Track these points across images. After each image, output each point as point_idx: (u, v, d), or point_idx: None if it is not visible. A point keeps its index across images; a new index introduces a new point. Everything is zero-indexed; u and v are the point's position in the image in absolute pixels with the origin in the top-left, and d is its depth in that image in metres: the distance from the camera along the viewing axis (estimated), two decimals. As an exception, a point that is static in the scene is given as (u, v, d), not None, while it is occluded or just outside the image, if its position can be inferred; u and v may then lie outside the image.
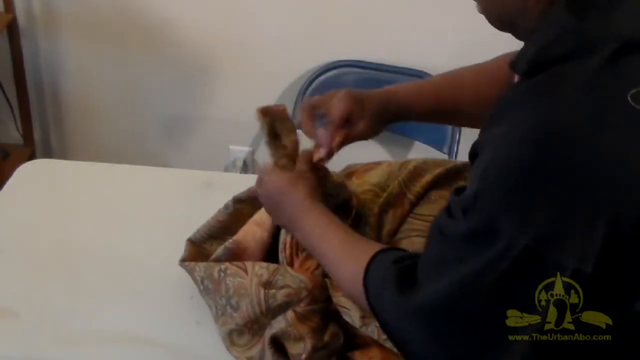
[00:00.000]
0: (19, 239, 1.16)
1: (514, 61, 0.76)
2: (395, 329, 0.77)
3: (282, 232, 1.02)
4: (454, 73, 1.12)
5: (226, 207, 1.11)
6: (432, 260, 0.74)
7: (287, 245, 1.00)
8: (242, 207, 1.10)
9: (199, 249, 1.09)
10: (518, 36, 0.79)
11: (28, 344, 0.98)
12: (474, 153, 0.73)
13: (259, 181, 1.01)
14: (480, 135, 0.75)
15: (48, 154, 2.32)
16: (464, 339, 0.70)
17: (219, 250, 1.04)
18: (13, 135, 2.24)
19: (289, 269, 0.97)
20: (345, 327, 0.95)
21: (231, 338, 0.97)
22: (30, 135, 2.23)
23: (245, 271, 0.98)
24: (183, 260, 1.06)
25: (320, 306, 0.94)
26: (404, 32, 1.96)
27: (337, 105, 1.00)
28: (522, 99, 0.71)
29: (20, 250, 1.14)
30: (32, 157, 2.18)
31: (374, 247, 0.84)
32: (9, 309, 1.02)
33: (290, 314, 0.92)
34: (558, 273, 0.63)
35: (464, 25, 1.92)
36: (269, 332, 0.94)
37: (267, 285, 0.95)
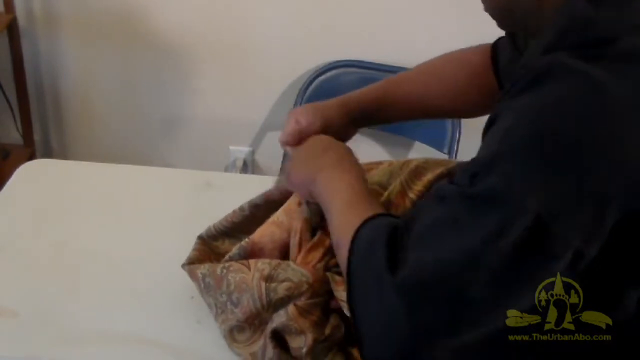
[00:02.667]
0: (19, 239, 1.16)
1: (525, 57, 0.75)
2: (366, 300, 0.73)
3: (297, 216, 1.02)
4: (428, 66, 1.12)
5: (241, 209, 1.10)
6: (429, 224, 0.71)
7: (298, 230, 1.00)
8: (258, 212, 1.10)
9: (209, 247, 1.09)
10: (529, 34, 0.79)
11: (28, 344, 0.98)
12: (489, 124, 0.71)
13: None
14: (496, 106, 0.73)
15: (48, 154, 2.32)
16: (448, 319, 0.67)
17: (234, 249, 1.04)
18: (13, 135, 2.24)
19: (291, 263, 0.97)
20: (347, 320, 0.95)
21: (232, 335, 0.97)
22: (30, 135, 2.23)
23: (248, 267, 0.98)
24: (189, 261, 1.06)
25: (321, 300, 0.94)
26: (404, 32, 1.96)
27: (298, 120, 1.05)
28: (546, 72, 0.68)
29: (20, 250, 1.14)
30: (32, 157, 2.18)
31: (373, 210, 0.82)
32: (9, 309, 1.02)
33: (291, 308, 0.92)
34: (563, 250, 0.62)
35: (463, 26, 1.92)
36: (270, 327, 0.94)
37: (269, 279, 0.95)
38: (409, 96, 1.09)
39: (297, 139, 1.05)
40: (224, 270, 0.99)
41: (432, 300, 0.68)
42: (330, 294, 0.95)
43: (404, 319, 0.69)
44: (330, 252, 0.97)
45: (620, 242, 0.61)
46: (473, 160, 0.69)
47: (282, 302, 0.94)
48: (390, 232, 0.74)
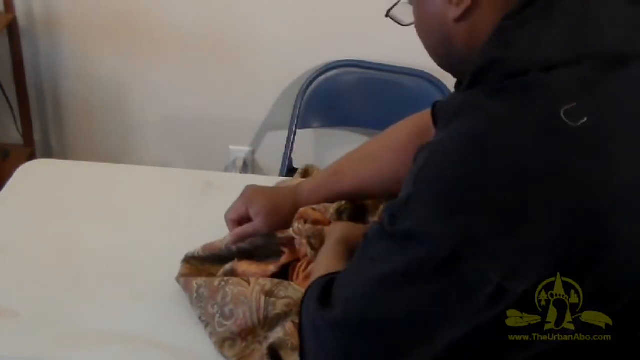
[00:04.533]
0: (19, 239, 1.16)
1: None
2: (309, 344, 0.77)
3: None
4: (351, 156, 1.13)
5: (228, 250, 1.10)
6: (351, 269, 0.75)
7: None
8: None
9: (198, 269, 1.09)
10: (456, 74, 0.82)
11: (28, 344, 0.98)
12: (412, 163, 0.73)
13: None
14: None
15: (48, 154, 2.32)
16: (383, 351, 0.68)
17: (227, 266, 1.05)
18: (13, 135, 2.24)
19: (292, 283, 0.99)
20: None
21: (223, 347, 0.97)
22: (30, 135, 2.23)
23: (248, 282, 0.99)
24: (182, 275, 1.07)
25: None
26: (404, 32, 1.95)
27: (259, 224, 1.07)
28: (457, 112, 0.70)
29: (20, 250, 1.14)
30: (32, 157, 2.18)
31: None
32: (9, 309, 1.02)
33: (288, 324, 0.93)
34: (481, 285, 0.62)
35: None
36: (266, 343, 0.94)
37: (269, 293, 0.96)
38: (351, 192, 1.11)
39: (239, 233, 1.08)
40: (222, 283, 1.00)
41: (363, 334, 0.70)
42: None
43: (340, 354, 0.72)
44: None
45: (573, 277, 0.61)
46: (393, 200, 0.71)
47: (278, 319, 0.94)
48: (328, 280, 0.78)
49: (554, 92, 0.65)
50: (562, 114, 0.63)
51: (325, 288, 0.77)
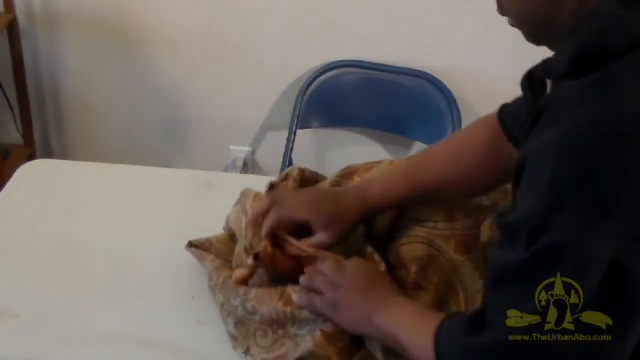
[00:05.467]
0: (19, 239, 1.16)
1: (547, 66, 0.73)
2: None
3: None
4: (428, 154, 1.08)
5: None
6: (501, 296, 0.69)
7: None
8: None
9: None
10: (554, 44, 0.75)
11: (28, 344, 0.98)
12: (519, 168, 0.69)
13: (340, 267, 0.93)
14: (522, 148, 0.71)
15: (48, 154, 2.32)
16: None
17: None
18: (13, 135, 2.24)
19: None
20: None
21: (254, 336, 0.96)
22: (30, 135, 2.23)
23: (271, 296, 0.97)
24: (196, 244, 1.06)
25: None
26: (404, 32, 1.96)
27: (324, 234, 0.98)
28: (579, 100, 0.66)
29: (20, 250, 1.14)
30: (32, 157, 2.18)
31: (438, 318, 0.80)
32: (9, 309, 1.02)
33: (318, 334, 0.90)
34: None
35: (464, 25, 1.92)
36: (294, 353, 0.92)
37: (295, 307, 0.93)
38: (425, 191, 1.03)
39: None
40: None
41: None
42: None
43: None
44: None
45: None
46: (517, 214, 0.67)
47: (306, 322, 0.92)
48: (468, 319, 0.74)
49: None
50: None
51: (469, 322, 0.73)
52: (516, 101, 0.96)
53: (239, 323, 0.97)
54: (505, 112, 0.97)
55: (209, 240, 1.10)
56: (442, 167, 1.03)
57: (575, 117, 0.65)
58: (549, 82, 0.79)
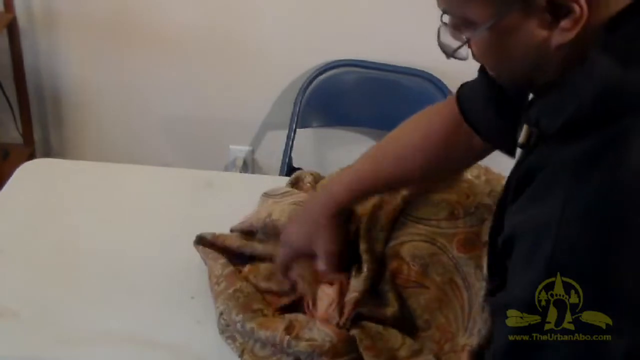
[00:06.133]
0: (19, 239, 1.16)
1: (530, 118, 0.71)
2: None
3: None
4: (390, 149, 1.05)
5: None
6: None
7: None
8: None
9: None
10: (534, 92, 0.74)
11: (28, 344, 0.98)
12: (508, 243, 0.68)
13: None
14: (508, 218, 0.70)
15: (48, 154, 2.32)
16: None
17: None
18: (13, 135, 2.24)
19: (317, 322, 0.97)
20: None
21: (253, 350, 0.96)
22: (30, 135, 2.23)
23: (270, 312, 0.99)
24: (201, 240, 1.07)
25: (347, 359, 0.94)
26: (404, 32, 1.96)
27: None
28: (577, 170, 0.64)
29: (20, 250, 1.14)
30: (32, 157, 2.18)
31: None
32: (9, 309, 1.02)
33: None
34: None
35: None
36: None
37: (295, 336, 0.94)
38: (391, 186, 1.05)
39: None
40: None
41: None
42: (354, 354, 0.94)
43: None
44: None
45: None
46: (511, 292, 0.66)
47: (302, 354, 0.93)
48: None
49: None
50: None
51: None
52: (477, 92, 0.94)
53: (237, 334, 0.98)
54: (468, 104, 0.95)
55: (221, 235, 1.11)
56: (412, 166, 1.01)
57: (579, 190, 0.63)
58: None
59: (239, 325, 0.97)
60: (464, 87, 0.98)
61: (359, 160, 1.05)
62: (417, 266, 0.99)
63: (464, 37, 0.72)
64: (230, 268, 1.05)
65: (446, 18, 0.73)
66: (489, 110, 0.91)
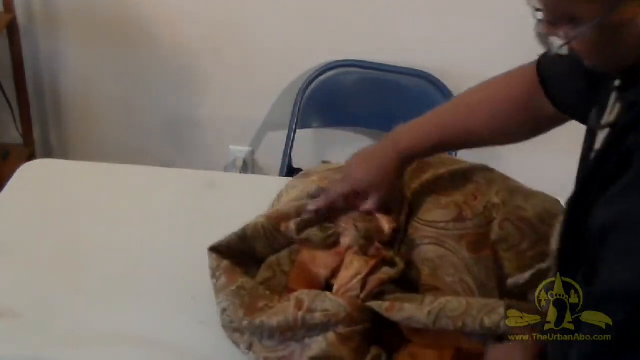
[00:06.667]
0: (19, 239, 1.16)
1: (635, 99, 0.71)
2: None
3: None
4: (465, 105, 1.09)
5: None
6: None
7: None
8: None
9: (245, 244, 1.07)
10: (630, 75, 0.74)
11: (28, 344, 0.98)
12: (605, 229, 0.66)
13: None
14: (604, 204, 0.68)
15: (48, 154, 2.32)
16: None
17: (284, 252, 1.05)
18: (13, 135, 2.24)
19: (328, 294, 0.96)
20: (389, 350, 0.94)
21: (261, 341, 0.96)
22: (30, 135, 2.23)
23: (278, 300, 0.99)
24: (217, 247, 1.05)
25: (362, 327, 0.93)
26: (404, 32, 1.96)
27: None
28: None
29: (21, 250, 1.14)
30: (32, 157, 2.18)
31: None
32: (9, 309, 1.02)
33: (330, 335, 0.91)
34: None
35: (464, 25, 1.92)
36: (307, 354, 0.92)
37: (307, 310, 0.94)
38: (457, 139, 1.08)
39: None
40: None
41: None
42: (371, 322, 0.94)
43: None
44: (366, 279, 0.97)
45: None
46: (612, 281, 0.64)
47: (317, 327, 0.93)
48: None
49: None
50: None
51: None
52: (558, 64, 0.94)
53: (242, 329, 0.97)
54: (548, 75, 0.96)
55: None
56: (481, 121, 1.04)
57: None
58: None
59: (245, 323, 0.96)
60: (545, 57, 0.98)
61: (430, 112, 1.10)
62: (427, 270, 1.00)
63: (562, 33, 0.71)
64: (235, 268, 1.04)
65: (540, 15, 0.72)
66: (569, 84, 0.92)
